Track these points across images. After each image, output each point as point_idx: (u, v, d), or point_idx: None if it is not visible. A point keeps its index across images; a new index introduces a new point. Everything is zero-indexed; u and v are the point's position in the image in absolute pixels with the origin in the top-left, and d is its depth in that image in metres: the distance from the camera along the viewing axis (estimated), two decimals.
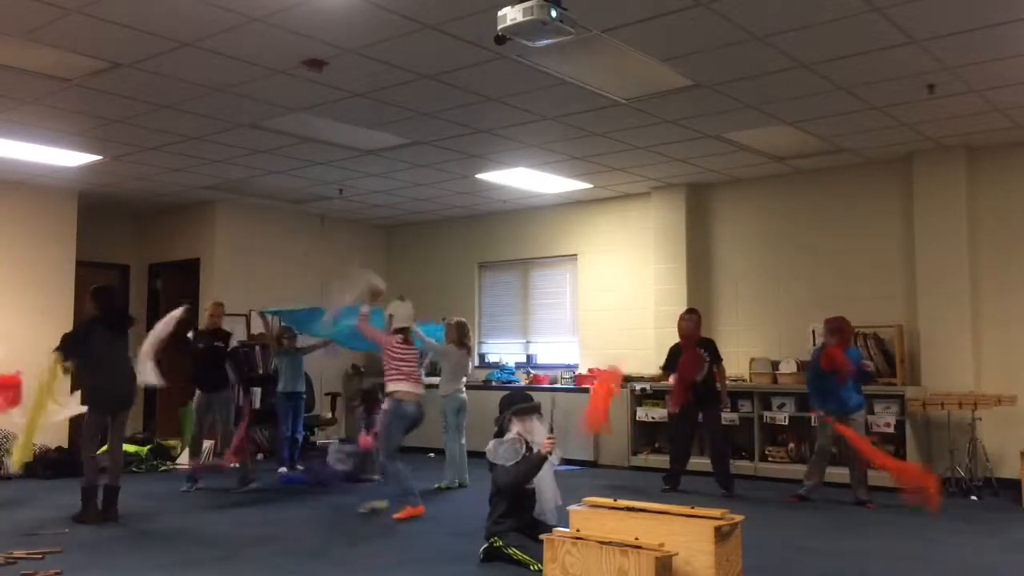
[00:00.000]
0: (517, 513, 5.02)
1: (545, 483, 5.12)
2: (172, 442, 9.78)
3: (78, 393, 6.68)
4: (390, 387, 6.62)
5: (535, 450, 5.07)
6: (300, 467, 8.76)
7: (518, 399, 5.41)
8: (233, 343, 8.43)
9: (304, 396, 9.21)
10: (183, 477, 8.01)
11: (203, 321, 8.42)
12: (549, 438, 5.06)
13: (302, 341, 8.88)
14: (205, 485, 7.78)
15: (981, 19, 5.01)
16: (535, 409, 5.30)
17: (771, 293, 8.97)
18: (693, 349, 7.63)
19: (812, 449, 7.38)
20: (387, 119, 6.92)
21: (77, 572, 4.75)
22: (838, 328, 6.99)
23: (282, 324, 9.10)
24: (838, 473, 7.28)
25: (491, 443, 5.22)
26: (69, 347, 6.27)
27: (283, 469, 8.68)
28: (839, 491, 7.10)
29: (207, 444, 9.65)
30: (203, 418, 7.92)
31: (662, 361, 8.22)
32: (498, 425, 5.29)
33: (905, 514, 6.54)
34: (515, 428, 5.16)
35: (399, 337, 6.68)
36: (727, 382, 7.83)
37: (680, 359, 7.63)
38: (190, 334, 8.02)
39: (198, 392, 7.94)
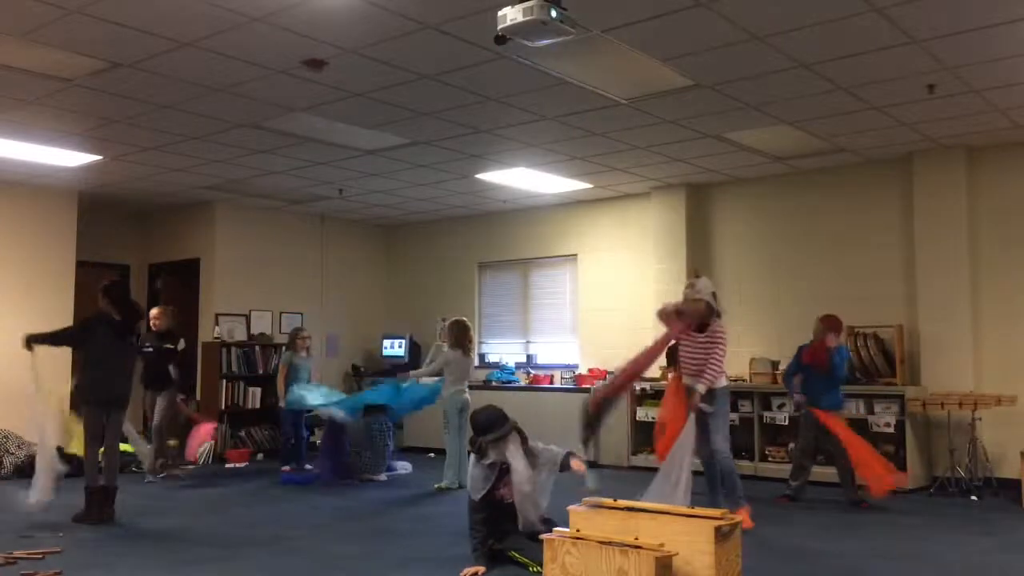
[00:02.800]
0: (493, 523, 4.92)
1: (524, 500, 4.85)
2: (172, 442, 9.77)
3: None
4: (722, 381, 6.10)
5: (513, 472, 4.86)
6: (309, 466, 8.76)
7: (489, 424, 4.98)
8: (181, 345, 8.77)
9: None
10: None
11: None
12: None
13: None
14: (198, 484, 7.79)
15: (981, 19, 5.01)
16: (508, 432, 4.95)
17: (771, 293, 8.97)
18: None
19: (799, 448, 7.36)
20: (387, 119, 6.92)
21: (77, 572, 4.75)
22: (834, 326, 6.98)
23: (300, 333, 9.27)
24: (830, 472, 7.28)
25: (471, 459, 5.09)
26: (66, 340, 6.45)
27: (309, 466, 8.68)
28: (834, 491, 7.09)
29: (207, 445, 9.71)
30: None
31: (663, 362, 8.21)
32: (472, 446, 5.05)
33: (905, 514, 6.54)
34: (492, 455, 4.92)
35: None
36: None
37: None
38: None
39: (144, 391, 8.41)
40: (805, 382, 7.09)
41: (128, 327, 6.58)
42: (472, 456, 5.09)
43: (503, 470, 4.94)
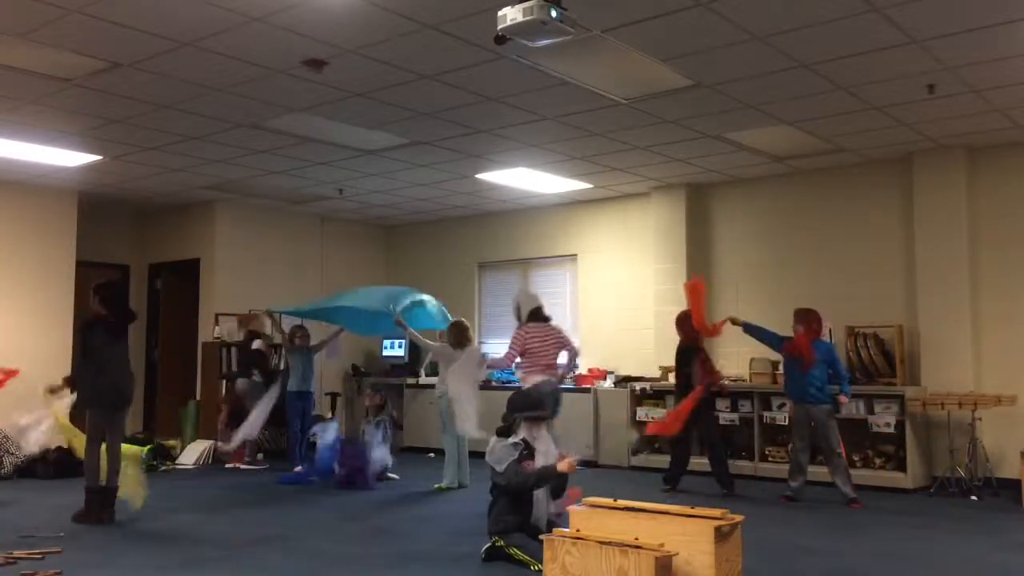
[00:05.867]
0: (518, 511, 5.02)
1: (543, 492, 5.11)
2: (172, 442, 9.78)
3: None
4: (529, 381, 6.64)
5: (536, 455, 5.08)
6: (299, 468, 8.72)
7: (530, 404, 5.42)
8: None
9: (313, 395, 9.24)
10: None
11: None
12: (569, 460, 5.06)
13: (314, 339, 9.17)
14: (198, 484, 7.79)
15: (981, 19, 5.01)
16: (545, 418, 5.38)
17: (771, 293, 8.96)
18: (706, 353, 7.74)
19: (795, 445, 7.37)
20: (387, 119, 6.92)
21: (77, 572, 4.75)
22: (804, 318, 7.08)
23: (298, 323, 9.28)
24: (826, 472, 7.27)
25: (492, 440, 5.23)
26: (83, 365, 6.45)
27: (299, 468, 8.65)
28: (832, 491, 7.08)
29: (207, 444, 9.71)
30: None
31: (663, 362, 8.19)
32: (504, 422, 5.32)
33: (905, 514, 6.54)
34: (522, 432, 5.21)
35: (531, 324, 6.83)
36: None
37: (697, 365, 7.64)
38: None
39: None
40: (790, 374, 7.12)
41: (123, 327, 6.58)
42: (495, 437, 5.24)
43: (523, 454, 5.11)
